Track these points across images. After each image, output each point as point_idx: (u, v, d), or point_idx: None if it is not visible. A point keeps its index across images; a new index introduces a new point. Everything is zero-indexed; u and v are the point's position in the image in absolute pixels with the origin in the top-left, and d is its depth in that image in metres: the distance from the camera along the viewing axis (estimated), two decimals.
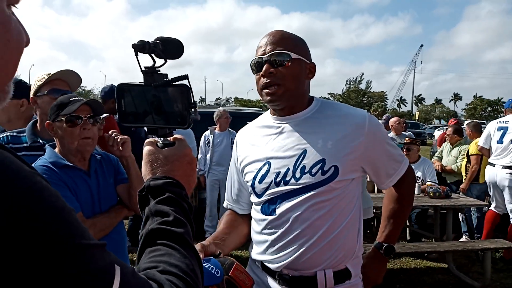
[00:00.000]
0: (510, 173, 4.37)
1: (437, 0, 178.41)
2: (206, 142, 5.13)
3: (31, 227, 0.42)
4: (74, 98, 1.66)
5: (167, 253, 0.61)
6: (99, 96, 3.56)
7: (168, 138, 0.81)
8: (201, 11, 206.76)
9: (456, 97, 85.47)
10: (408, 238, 5.07)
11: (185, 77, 0.77)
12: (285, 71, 1.25)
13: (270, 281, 1.33)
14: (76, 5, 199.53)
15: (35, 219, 0.43)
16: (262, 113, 1.49)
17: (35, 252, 0.42)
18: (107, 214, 1.71)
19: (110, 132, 1.84)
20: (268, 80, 1.26)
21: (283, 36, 1.29)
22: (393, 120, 6.11)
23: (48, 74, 1.97)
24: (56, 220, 0.45)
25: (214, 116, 5.13)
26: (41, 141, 1.92)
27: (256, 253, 1.37)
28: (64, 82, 2.00)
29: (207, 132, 5.16)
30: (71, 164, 1.65)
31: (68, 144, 1.65)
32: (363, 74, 79.37)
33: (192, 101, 0.77)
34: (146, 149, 0.79)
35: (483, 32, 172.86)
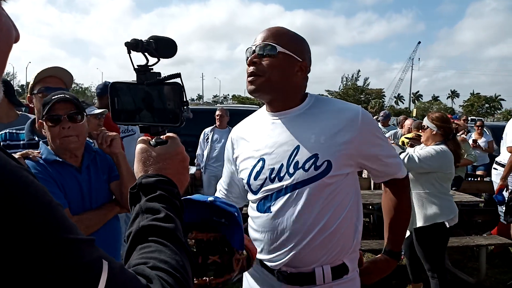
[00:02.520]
0: (495, 168, 4.76)
1: None
2: (206, 138, 5.18)
3: (17, 221, 0.42)
4: (55, 97, 1.63)
5: (157, 250, 0.61)
6: (96, 93, 3.58)
7: (161, 136, 0.81)
8: (204, 8, 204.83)
9: (454, 94, 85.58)
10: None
11: (178, 75, 0.77)
12: (269, 62, 1.26)
13: (269, 277, 1.34)
14: (80, 3, 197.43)
15: (20, 214, 0.43)
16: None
17: (21, 246, 0.42)
18: (96, 211, 1.70)
19: (99, 129, 1.84)
20: (251, 70, 1.28)
21: (278, 31, 1.30)
22: (408, 123, 6.06)
23: (54, 97, 1.98)
24: (42, 215, 0.45)
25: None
26: (37, 138, 1.93)
27: None
28: (58, 79, 2.00)
29: (207, 129, 5.22)
30: (61, 160, 1.64)
31: (53, 142, 1.64)
32: (359, 71, 79.44)
33: (185, 99, 0.77)
34: (138, 147, 0.79)
35: (486, 29, 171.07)
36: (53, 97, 1.62)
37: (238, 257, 0.98)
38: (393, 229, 1.47)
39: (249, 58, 1.28)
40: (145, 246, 0.62)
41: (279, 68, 1.27)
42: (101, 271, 0.48)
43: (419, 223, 2.91)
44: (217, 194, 1.57)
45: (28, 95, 2.02)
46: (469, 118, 16.50)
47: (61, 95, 1.63)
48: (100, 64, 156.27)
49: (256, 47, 1.28)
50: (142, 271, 0.56)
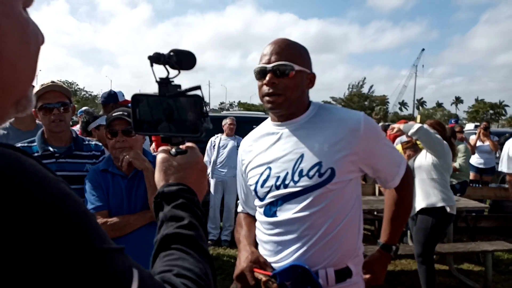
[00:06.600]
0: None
1: (457, 5, 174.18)
2: (213, 145, 5.27)
3: (55, 232, 0.43)
4: (115, 115, 1.86)
5: (181, 257, 0.61)
6: (100, 101, 3.58)
7: (181, 146, 0.84)
8: (219, 17, 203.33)
9: (458, 101, 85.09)
10: (409, 241, 5.10)
11: (198, 87, 0.80)
12: (287, 82, 1.31)
13: None
14: (100, 13, 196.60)
15: (59, 224, 0.44)
16: (264, 117, 1.56)
17: (59, 256, 0.43)
18: (132, 215, 1.78)
19: (121, 155, 1.85)
20: (271, 90, 1.32)
21: (288, 46, 1.34)
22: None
23: (42, 85, 2.00)
24: (79, 225, 0.46)
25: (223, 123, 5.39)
26: (51, 149, 1.98)
27: (262, 254, 1.42)
28: (56, 92, 2.01)
29: (213, 137, 5.33)
30: (109, 169, 1.86)
31: (110, 152, 1.90)
32: (365, 78, 79.12)
33: (205, 110, 0.80)
34: (159, 156, 0.82)
35: (500, 36, 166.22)
36: (113, 115, 1.89)
37: None
38: (391, 222, 1.53)
39: (268, 79, 1.31)
40: (168, 254, 0.63)
41: (297, 86, 1.32)
42: (132, 279, 0.49)
43: (422, 204, 3.19)
44: (239, 208, 1.64)
45: (33, 109, 2.05)
46: (474, 125, 16.47)
47: (118, 113, 1.88)
48: (112, 72, 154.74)
49: (272, 66, 1.31)
50: (169, 279, 0.57)
